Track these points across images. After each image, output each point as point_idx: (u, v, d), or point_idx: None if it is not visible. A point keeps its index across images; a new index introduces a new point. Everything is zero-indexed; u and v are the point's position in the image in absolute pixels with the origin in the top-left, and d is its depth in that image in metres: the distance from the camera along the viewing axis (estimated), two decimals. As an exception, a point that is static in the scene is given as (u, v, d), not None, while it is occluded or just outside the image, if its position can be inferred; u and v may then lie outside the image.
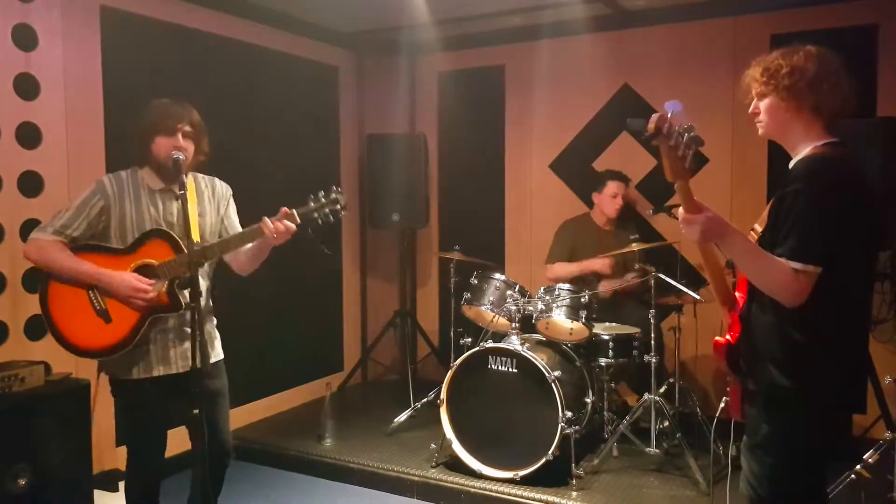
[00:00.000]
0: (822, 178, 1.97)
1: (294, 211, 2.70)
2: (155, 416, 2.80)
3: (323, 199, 2.73)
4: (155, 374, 2.75)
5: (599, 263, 4.52)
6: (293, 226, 2.69)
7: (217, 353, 2.96)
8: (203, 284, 2.80)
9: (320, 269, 5.53)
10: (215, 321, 2.99)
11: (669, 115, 1.88)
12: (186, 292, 2.66)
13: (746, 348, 2.15)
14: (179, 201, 2.63)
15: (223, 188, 2.97)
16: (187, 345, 2.75)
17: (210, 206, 2.89)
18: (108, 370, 2.82)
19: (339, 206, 2.74)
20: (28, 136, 3.54)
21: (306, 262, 5.26)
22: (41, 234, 2.70)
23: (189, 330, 2.71)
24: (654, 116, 1.88)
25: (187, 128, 2.74)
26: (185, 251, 2.61)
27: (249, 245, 2.79)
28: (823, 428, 2.08)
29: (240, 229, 2.91)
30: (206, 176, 2.95)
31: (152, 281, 2.66)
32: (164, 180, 2.77)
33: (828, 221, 1.94)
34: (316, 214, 2.72)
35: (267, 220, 2.68)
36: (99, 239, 2.74)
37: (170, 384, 2.73)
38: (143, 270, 2.69)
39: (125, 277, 2.65)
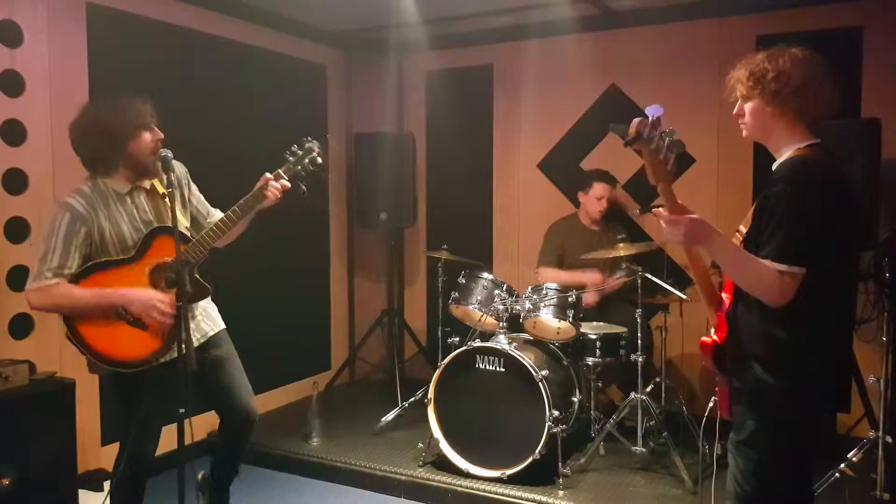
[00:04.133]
0: (806, 179, 1.99)
1: (279, 171, 2.82)
2: (152, 405, 2.75)
3: (299, 152, 2.87)
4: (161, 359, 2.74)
5: (590, 278, 4.49)
6: (287, 183, 2.82)
7: (217, 323, 2.97)
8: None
9: (308, 267, 5.52)
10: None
11: (650, 120, 1.90)
12: (197, 279, 2.70)
13: (732, 347, 2.17)
14: (168, 199, 2.62)
15: (179, 169, 2.88)
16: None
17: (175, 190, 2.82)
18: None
19: (315, 154, 2.87)
20: (13, 133, 3.51)
21: (294, 260, 5.26)
22: (41, 282, 2.56)
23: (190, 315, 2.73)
24: (635, 121, 1.90)
25: (152, 118, 2.72)
26: (190, 241, 2.65)
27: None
28: (808, 425, 2.10)
29: (207, 204, 2.99)
30: None
31: (170, 294, 2.61)
32: (136, 178, 2.71)
33: (811, 223, 1.96)
34: (299, 167, 2.85)
35: (268, 183, 2.78)
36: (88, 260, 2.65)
37: (171, 374, 2.59)
38: (159, 270, 2.67)
39: (146, 294, 2.60)
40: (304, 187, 2.86)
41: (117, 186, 2.69)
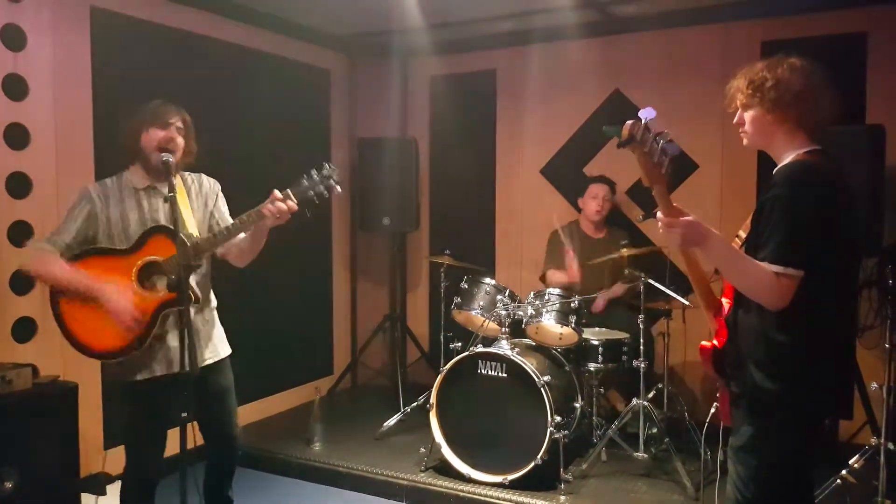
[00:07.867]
0: (803, 182, 1.99)
1: (288, 191, 2.70)
2: (158, 418, 2.79)
3: (316, 177, 2.73)
4: (158, 374, 2.76)
5: (573, 269, 4.47)
6: (294, 205, 2.69)
7: (218, 352, 2.96)
8: (193, 280, 2.79)
9: (310, 272, 5.52)
10: (216, 316, 3.00)
11: (643, 122, 1.90)
12: (194, 285, 2.71)
13: (731, 352, 2.16)
14: (168, 203, 2.63)
15: (210, 183, 2.99)
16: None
17: (197, 202, 2.90)
18: (114, 374, 2.80)
19: (332, 181, 2.74)
20: (16, 137, 3.52)
21: (296, 265, 5.26)
22: (36, 243, 2.76)
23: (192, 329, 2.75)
24: (628, 123, 1.90)
25: (179, 124, 2.79)
26: (186, 245, 2.63)
27: (243, 234, 2.79)
28: (807, 430, 2.10)
29: (230, 222, 2.90)
30: (191, 173, 2.97)
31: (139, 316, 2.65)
32: (151, 177, 2.79)
33: (808, 225, 1.96)
34: (311, 193, 2.72)
35: (269, 201, 2.68)
36: (93, 244, 2.74)
37: (171, 384, 2.68)
38: (149, 267, 2.70)
39: (124, 304, 2.62)
40: (308, 213, 2.74)
41: (136, 181, 2.80)
